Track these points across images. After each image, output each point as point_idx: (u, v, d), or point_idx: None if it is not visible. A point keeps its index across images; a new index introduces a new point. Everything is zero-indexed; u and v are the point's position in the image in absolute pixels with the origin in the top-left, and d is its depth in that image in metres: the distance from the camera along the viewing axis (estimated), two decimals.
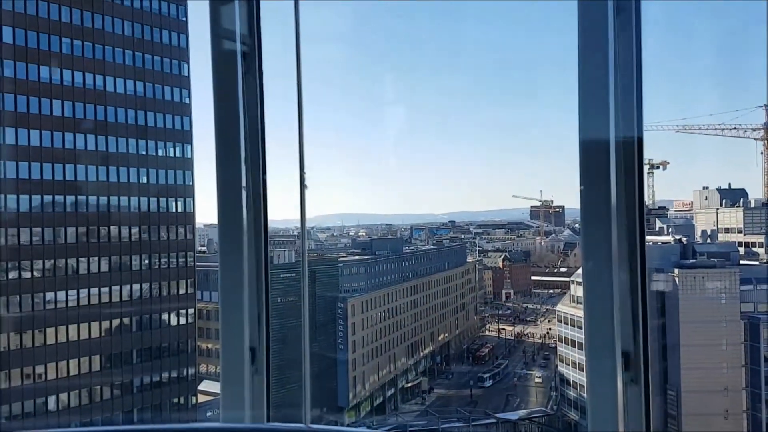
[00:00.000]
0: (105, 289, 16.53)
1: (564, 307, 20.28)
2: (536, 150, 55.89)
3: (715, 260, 17.52)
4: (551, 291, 40.33)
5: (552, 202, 51.14)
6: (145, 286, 17.32)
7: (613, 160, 2.15)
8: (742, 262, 18.75)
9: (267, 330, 2.79)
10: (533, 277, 42.09)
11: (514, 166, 56.68)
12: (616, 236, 2.17)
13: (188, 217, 17.82)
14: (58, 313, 15.73)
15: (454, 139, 52.88)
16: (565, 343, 20.03)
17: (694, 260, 17.49)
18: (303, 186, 2.10)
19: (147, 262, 17.37)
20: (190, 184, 17.75)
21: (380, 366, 22.43)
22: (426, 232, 45.23)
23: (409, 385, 23.96)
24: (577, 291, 19.78)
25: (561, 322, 20.28)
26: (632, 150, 2.19)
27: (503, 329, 33.55)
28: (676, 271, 17.12)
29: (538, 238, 49.76)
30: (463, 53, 48.18)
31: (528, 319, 35.72)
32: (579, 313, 18.82)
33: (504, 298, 39.33)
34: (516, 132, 53.76)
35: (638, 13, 2.17)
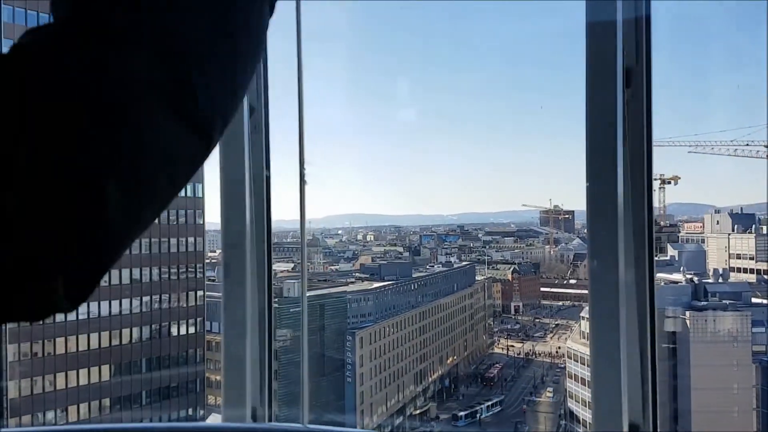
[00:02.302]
0: (115, 330, 16.73)
1: (573, 344, 20.24)
2: (547, 152, 55.54)
3: (727, 302, 17.40)
4: (561, 303, 40.27)
5: (562, 207, 50.90)
6: (155, 326, 17.47)
7: (620, 150, 2.18)
8: (754, 300, 18.61)
9: (269, 298, 2.80)
10: (542, 289, 41.98)
11: (525, 168, 56.11)
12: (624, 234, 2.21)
13: (198, 255, 17.89)
14: (69, 357, 15.93)
15: (464, 138, 52.58)
16: (574, 380, 19.98)
17: (705, 302, 17.38)
18: (303, 182, 2.08)
19: (157, 301, 17.49)
20: (201, 222, 17.81)
21: (389, 396, 22.50)
22: (436, 240, 45.11)
23: (418, 411, 24.02)
24: (587, 327, 19.71)
25: (570, 358, 20.25)
26: (641, 142, 2.23)
27: (512, 346, 33.51)
28: (687, 313, 17.01)
29: (547, 246, 49.56)
30: (476, 51, 47.66)
31: (536, 335, 35.66)
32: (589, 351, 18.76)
33: (513, 311, 39.25)
34: (527, 133, 53.36)
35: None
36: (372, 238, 45.14)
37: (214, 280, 21.89)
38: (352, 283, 23.71)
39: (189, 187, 19.06)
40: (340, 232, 46.62)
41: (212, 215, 20.33)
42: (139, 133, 0.58)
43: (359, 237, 46.00)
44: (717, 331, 16.99)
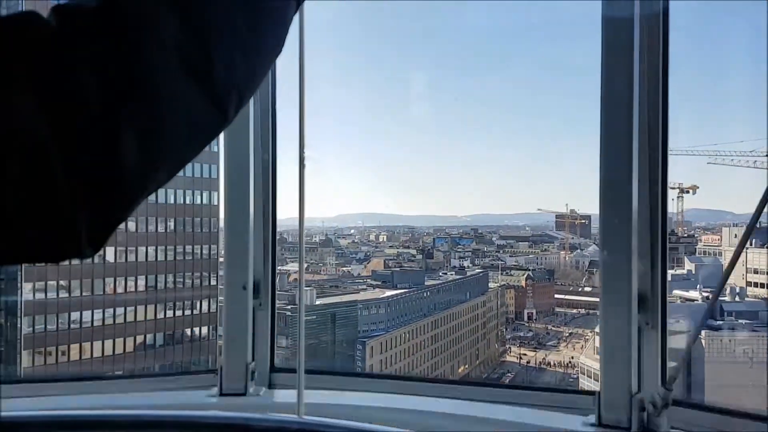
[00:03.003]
0: (130, 337, 16.91)
1: (587, 360, 20.12)
2: (563, 154, 54.99)
3: (744, 322, 17.21)
4: (575, 311, 39.95)
5: (578, 212, 50.36)
6: (168, 333, 17.63)
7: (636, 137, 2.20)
8: None
9: (273, 263, 2.79)
10: (556, 296, 41.66)
11: (540, 170, 55.76)
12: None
13: (213, 263, 18.01)
14: (83, 363, 16.12)
15: (479, 138, 52.28)
16: None
17: (722, 321, 17.19)
18: (302, 166, 2.09)
19: (171, 307, 17.64)
20: (215, 230, 17.92)
21: None
22: (449, 243, 44.86)
23: None
24: None
25: (584, 374, 20.14)
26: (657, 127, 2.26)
27: (524, 354, 33.33)
28: (703, 332, 16.82)
29: (562, 252, 49.13)
30: (493, 51, 47.22)
31: (549, 343, 35.43)
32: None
33: (526, 318, 39.01)
34: (542, 134, 52.94)
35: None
36: (385, 239, 44.99)
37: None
38: (363, 290, 23.71)
39: (205, 194, 19.22)
40: (352, 231, 46.40)
41: None
42: (160, 94, 0.62)
43: (372, 237, 45.84)
44: (732, 351, 16.80)
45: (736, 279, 24.10)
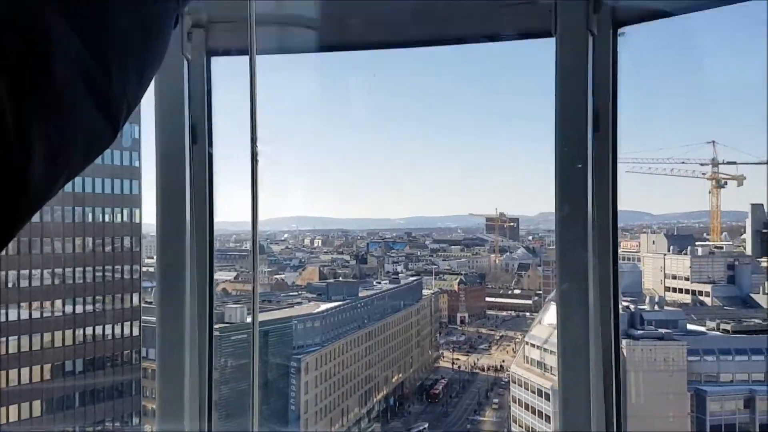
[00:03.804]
0: (47, 364, 16.03)
1: (518, 369, 20.52)
2: (494, 156, 56.02)
3: (663, 332, 17.92)
4: (505, 314, 40.94)
5: (506, 215, 51.49)
6: (89, 357, 16.80)
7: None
8: (690, 326, 19.23)
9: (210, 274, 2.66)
10: (487, 299, 42.55)
11: (474, 174, 56.66)
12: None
13: (135, 284, 17.32)
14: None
15: (412, 139, 52.62)
16: (519, 405, 20.26)
17: (642, 330, 17.86)
18: (255, 161, 1.97)
19: (91, 331, 16.83)
20: (137, 250, 17.21)
21: (333, 421, 22.33)
22: (383, 247, 44.97)
23: None
24: (531, 353, 20.03)
25: (514, 383, 20.53)
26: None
27: (457, 359, 33.81)
28: (623, 342, 17.43)
29: (492, 255, 50.18)
30: (433, 54, 47.64)
31: (482, 347, 36.12)
32: (533, 377, 19.08)
33: (459, 322, 39.61)
34: (477, 139, 53.78)
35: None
36: (320, 243, 44.49)
37: (150, 303, 21.11)
38: (298, 304, 23.37)
39: (126, 211, 18.43)
40: (285, 236, 45.52)
41: (148, 239, 19.44)
42: (66, 110, 0.63)
43: (306, 242, 45.23)
44: (653, 360, 17.45)
45: (654, 285, 25.19)
